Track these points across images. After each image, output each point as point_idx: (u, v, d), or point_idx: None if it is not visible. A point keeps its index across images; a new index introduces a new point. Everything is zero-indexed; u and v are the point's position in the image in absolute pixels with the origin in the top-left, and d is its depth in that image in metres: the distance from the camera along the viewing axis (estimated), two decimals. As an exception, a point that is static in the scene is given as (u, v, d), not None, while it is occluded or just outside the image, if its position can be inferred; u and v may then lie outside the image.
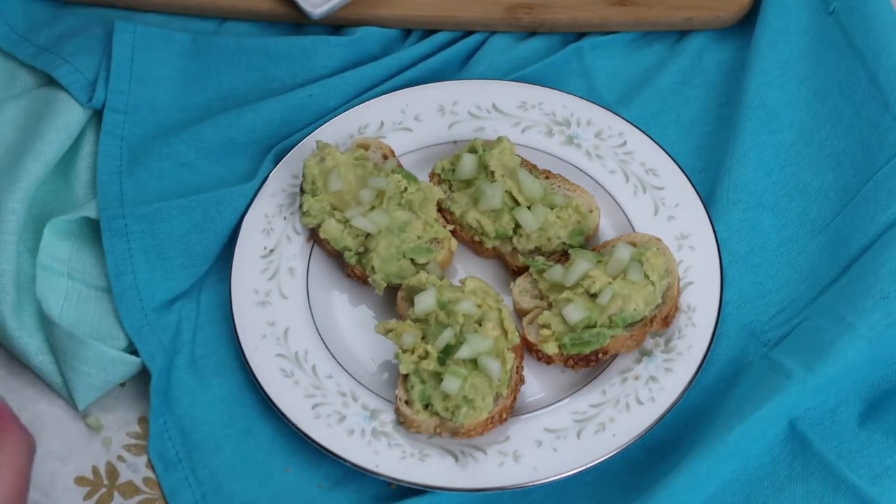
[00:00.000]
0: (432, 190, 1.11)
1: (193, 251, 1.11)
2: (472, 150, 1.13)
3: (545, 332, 1.04)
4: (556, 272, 1.06)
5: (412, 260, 1.09)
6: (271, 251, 1.11)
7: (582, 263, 1.06)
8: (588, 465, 1.00)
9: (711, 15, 1.23)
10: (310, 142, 1.15)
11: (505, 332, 1.03)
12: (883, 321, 1.01)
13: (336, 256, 1.11)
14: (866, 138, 1.14)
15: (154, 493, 1.03)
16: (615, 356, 1.06)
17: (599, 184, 1.14)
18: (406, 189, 1.10)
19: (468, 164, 1.12)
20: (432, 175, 1.14)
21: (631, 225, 1.12)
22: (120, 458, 1.05)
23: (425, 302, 1.03)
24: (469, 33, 1.24)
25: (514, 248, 1.10)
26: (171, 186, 1.14)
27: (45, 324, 1.06)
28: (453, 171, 1.13)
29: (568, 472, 1.00)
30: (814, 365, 1.00)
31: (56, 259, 1.10)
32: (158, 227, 1.11)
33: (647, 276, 1.04)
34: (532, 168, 1.13)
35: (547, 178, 1.13)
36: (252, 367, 1.05)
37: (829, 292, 1.08)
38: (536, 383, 1.06)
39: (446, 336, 1.02)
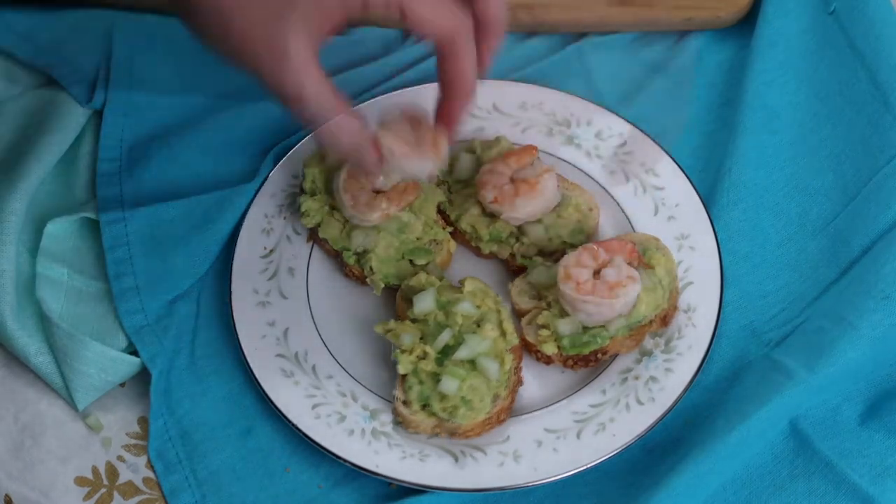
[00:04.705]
0: (432, 191, 1.11)
1: (193, 251, 1.11)
2: (471, 151, 1.13)
3: (544, 332, 1.04)
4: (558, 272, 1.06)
5: (411, 261, 1.09)
6: (271, 251, 1.11)
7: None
8: (588, 466, 1.00)
9: (711, 15, 1.23)
10: (310, 142, 1.15)
11: (504, 333, 1.03)
12: (884, 321, 1.01)
13: (335, 256, 1.11)
14: (867, 138, 1.14)
15: (154, 493, 1.03)
16: (615, 356, 1.06)
17: (599, 184, 1.14)
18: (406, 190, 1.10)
19: (465, 163, 1.12)
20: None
21: (631, 225, 1.12)
22: (120, 458, 1.05)
23: (424, 302, 1.03)
24: (469, 33, 1.25)
25: (513, 254, 1.10)
26: (171, 186, 1.14)
27: (45, 324, 1.06)
28: (451, 172, 1.13)
29: (568, 472, 1.00)
30: (815, 365, 1.00)
31: (56, 259, 1.10)
32: (158, 227, 1.11)
33: (658, 282, 1.04)
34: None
35: (547, 177, 1.13)
36: (252, 368, 1.05)
37: (830, 292, 1.08)
38: (536, 383, 1.06)
39: (445, 337, 1.01)
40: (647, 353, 1.05)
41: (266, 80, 0.90)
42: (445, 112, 0.97)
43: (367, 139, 0.96)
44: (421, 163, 0.99)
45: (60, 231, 1.11)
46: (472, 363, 1.01)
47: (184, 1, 0.90)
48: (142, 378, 1.07)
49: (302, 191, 1.11)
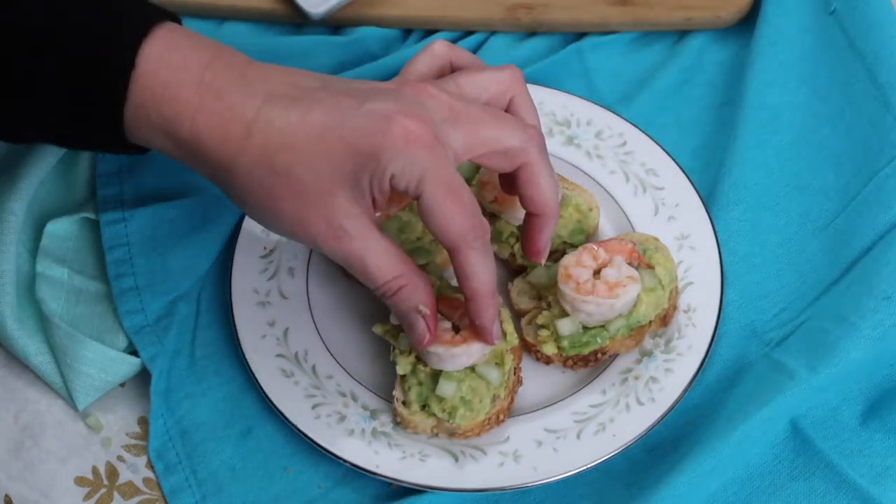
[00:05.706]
0: (433, 191, 1.10)
1: (193, 251, 1.10)
2: (471, 150, 1.13)
3: (544, 332, 1.04)
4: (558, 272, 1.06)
5: (411, 261, 1.09)
6: (271, 251, 1.11)
7: (584, 264, 1.05)
8: (588, 466, 1.00)
9: (711, 15, 1.23)
10: (310, 142, 1.15)
11: (503, 334, 1.02)
12: (886, 321, 1.01)
13: (336, 256, 1.11)
14: (867, 139, 1.14)
15: (154, 493, 1.03)
16: (615, 356, 1.06)
17: (599, 184, 1.14)
18: (406, 190, 1.09)
19: (465, 164, 1.11)
20: (432, 176, 1.14)
21: (631, 225, 1.12)
22: (120, 458, 1.05)
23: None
24: (469, 33, 1.25)
25: (513, 254, 1.10)
26: (171, 186, 1.14)
27: (45, 324, 1.06)
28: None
29: (568, 472, 0.99)
30: (817, 365, 1.00)
31: (56, 259, 1.10)
32: (158, 227, 1.11)
33: (659, 282, 1.04)
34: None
35: (547, 177, 1.13)
36: (252, 368, 1.05)
37: (831, 293, 1.08)
38: (536, 383, 1.06)
39: (444, 337, 1.01)
40: (647, 353, 1.05)
41: (330, 255, 0.90)
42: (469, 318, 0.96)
43: (417, 312, 0.93)
44: (468, 353, 0.98)
45: (60, 231, 1.11)
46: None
47: (223, 181, 0.89)
48: (142, 378, 1.07)
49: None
